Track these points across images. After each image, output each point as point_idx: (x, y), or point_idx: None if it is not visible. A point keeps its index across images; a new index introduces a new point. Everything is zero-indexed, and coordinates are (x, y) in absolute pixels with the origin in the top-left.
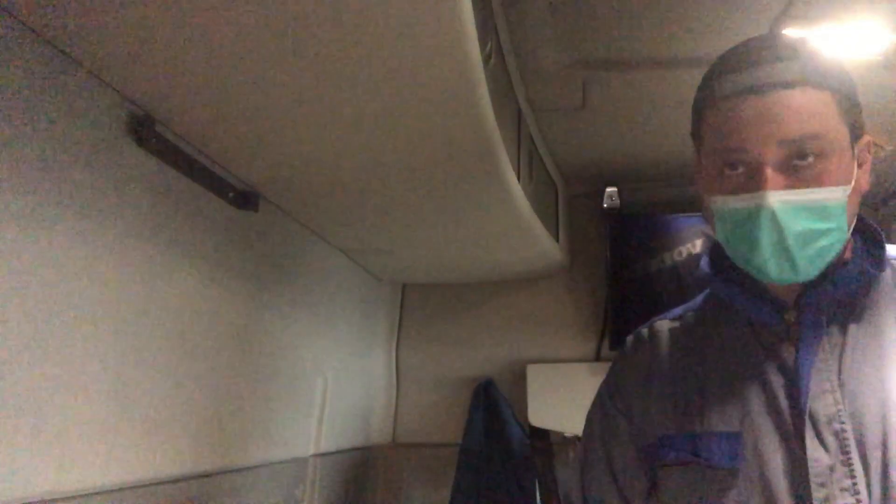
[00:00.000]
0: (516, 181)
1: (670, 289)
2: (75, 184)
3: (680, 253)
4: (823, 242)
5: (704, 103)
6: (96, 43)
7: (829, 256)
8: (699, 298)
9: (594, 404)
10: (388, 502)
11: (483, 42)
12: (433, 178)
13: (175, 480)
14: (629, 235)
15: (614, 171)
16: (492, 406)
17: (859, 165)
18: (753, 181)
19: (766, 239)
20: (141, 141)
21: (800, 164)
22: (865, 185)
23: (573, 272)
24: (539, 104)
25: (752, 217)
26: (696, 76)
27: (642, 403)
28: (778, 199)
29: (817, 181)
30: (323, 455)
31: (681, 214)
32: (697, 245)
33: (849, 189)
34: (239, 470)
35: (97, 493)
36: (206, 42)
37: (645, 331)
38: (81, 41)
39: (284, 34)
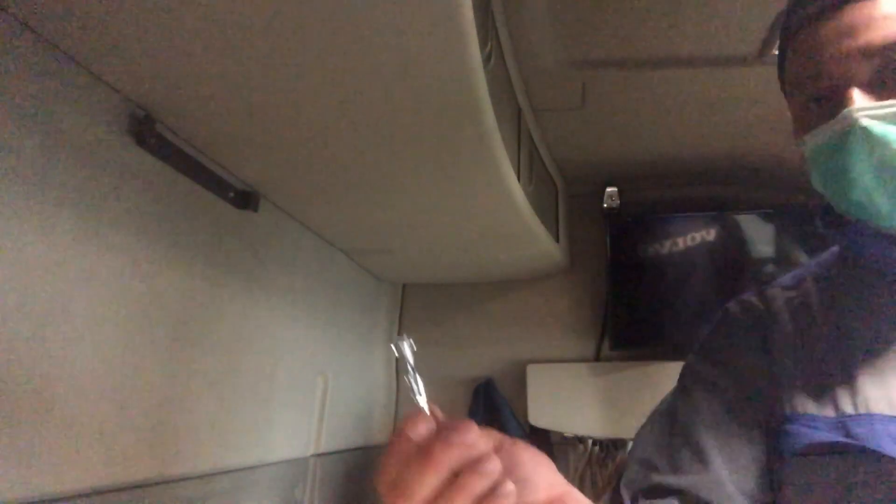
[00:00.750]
0: (516, 181)
1: (679, 276)
2: (75, 184)
3: (693, 238)
4: None
5: (784, 45)
6: (96, 43)
7: None
8: (812, 264)
9: (684, 389)
10: None
11: (483, 42)
12: (434, 178)
13: (175, 480)
14: (629, 235)
15: (614, 171)
16: (492, 406)
17: None
18: (839, 106)
19: (862, 165)
20: (141, 141)
21: (894, 79)
22: None
23: (573, 272)
24: (539, 104)
25: (842, 143)
26: (696, 76)
27: (763, 380)
28: (866, 113)
29: None
30: (323, 455)
31: (681, 214)
32: (712, 233)
33: None
34: (239, 470)
35: (97, 493)
36: (206, 42)
37: (754, 299)
38: (81, 41)
39: (285, 34)
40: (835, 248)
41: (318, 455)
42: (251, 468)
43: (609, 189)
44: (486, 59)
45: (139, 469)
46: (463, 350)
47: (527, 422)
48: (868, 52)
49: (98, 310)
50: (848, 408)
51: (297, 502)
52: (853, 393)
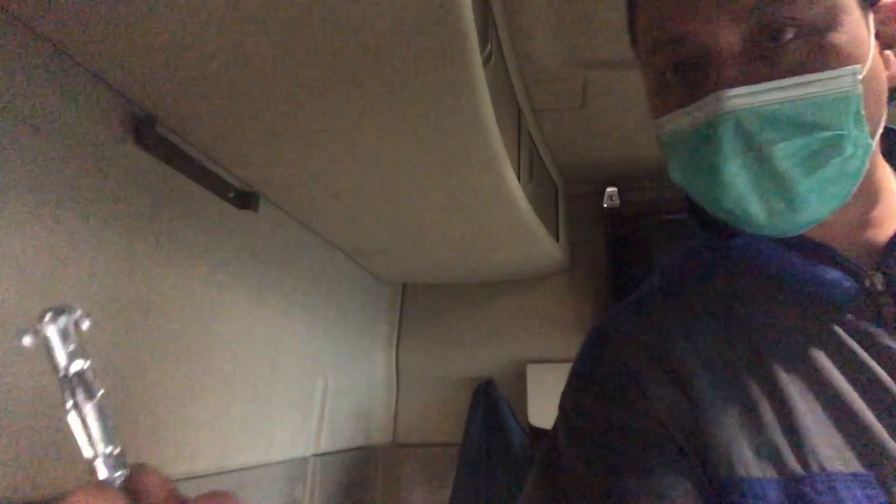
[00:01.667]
0: (516, 181)
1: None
2: (75, 184)
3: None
4: (834, 159)
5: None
6: (96, 43)
7: (848, 183)
8: (682, 267)
9: (577, 438)
10: (388, 502)
11: (483, 42)
12: (433, 178)
13: (175, 480)
14: (629, 235)
15: (614, 171)
16: (492, 406)
17: (886, 44)
18: (705, 82)
19: (734, 165)
20: (141, 141)
21: (773, 47)
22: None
23: (573, 272)
24: (539, 104)
25: (708, 135)
26: None
27: (686, 420)
28: (740, 100)
29: (805, 67)
30: (323, 455)
31: (681, 214)
32: None
33: (861, 73)
34: (239, 470)
35: None
36: (206, 42)
37: (635, 317)
38: (81, 41)
39: (284, 35)
40: (697, 247)
41: (318, 455)
42: (251, 468)
43: (609, 189)
44: (486, 60)
45: None
46: (463, 350)
47: (527, 422)
48: (741, 13)
49: (97, 310)
50: (794, 465)
51: (297, 502)
52: (797, 445)
